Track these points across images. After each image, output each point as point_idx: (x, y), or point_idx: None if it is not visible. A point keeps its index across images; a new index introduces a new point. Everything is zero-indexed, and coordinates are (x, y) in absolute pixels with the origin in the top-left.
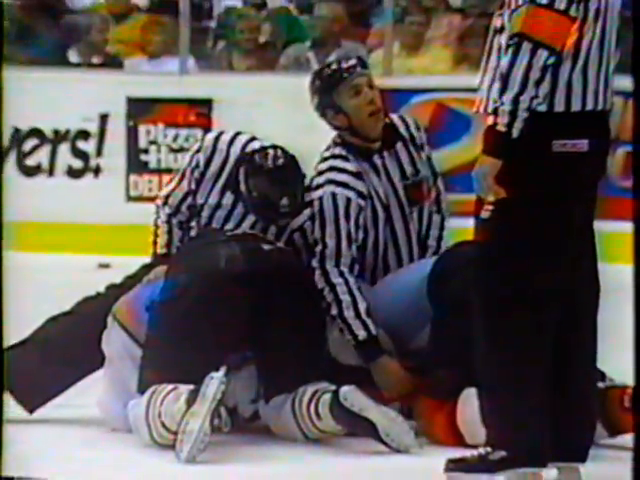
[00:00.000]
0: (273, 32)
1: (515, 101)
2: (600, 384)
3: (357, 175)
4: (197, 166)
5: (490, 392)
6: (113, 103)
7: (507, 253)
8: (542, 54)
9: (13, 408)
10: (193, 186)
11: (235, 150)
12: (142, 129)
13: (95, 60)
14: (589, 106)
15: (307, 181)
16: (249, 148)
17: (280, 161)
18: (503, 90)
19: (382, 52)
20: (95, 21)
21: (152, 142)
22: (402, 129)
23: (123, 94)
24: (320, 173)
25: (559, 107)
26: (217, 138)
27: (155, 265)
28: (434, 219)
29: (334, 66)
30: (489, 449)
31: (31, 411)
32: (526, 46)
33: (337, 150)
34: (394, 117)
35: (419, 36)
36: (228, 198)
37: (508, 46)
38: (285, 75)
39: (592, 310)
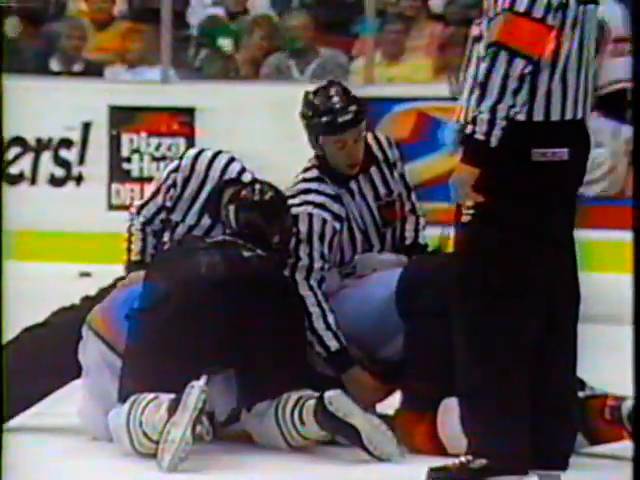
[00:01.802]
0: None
1: (493, 110)
2: (580, 393)
3: (334, 198)
4: (174, 185)
5: (470, 401)
6: (95, 112)
7: (486, 261)
8: (519, 63)
9: None
10: (168, 204)
11: (214, 174)
12: (124, 138)
13: (76, 68)
14: (568, 115)
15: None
16: (229, 173)
17: (268, 195)
18: (481, 99)
19: (363, 60)
20: (72, 29)
21: (134, 151)
22: (375, 149)
23: (105, 103)
24: (298, 193)
25: (538, 116)
26: (195, 158)
27: (129, 272)
28: (409, 219)
29: (329, 117)
30: (470, 457)
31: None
32: (503, 55)
33: (315, 173)
34: (368, 137)
35: (399, 44)
36: (205, 221)
37: (485, 55)
38: (268, 83)
39: (572, 319)
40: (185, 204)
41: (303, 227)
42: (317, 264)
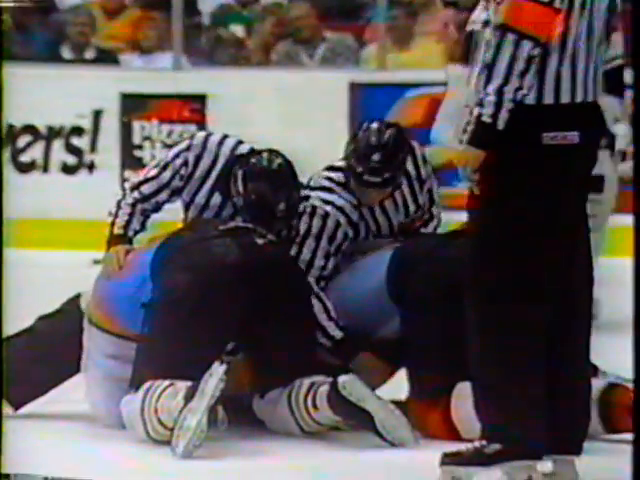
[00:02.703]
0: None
1: (499, 92)
2: (600, 382)
3: (355, 206)
4: (185, 164)
5: (484, 386)
6: (107, 99)
7: (498, 246)
8: (526, 45)
9: None
10: (179, 183)
11: (225, 151)
12: (136, 125)
13: (88, 56)
14: (579, 98)
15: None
16: (239, 150)
17: (276, 164)
18: (488, 81)
19: (375, 47)
20: (81, 17)
21: (146, 138)
22: (409, 163)
23: (117, 90)
24: (320, 188)
25: (548, 99)
26: (206, 138)
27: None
28: (426, 227)
29: (360, 168)
30: (484, 442)
31: (16, 408)
32: (510, 37)
33: (341, 177)
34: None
35: (406, 30)
36: (216, 199)
37: (492, 37)
38: (278, 70)
39: (586, 304)
40: (196, 183)
41: (316, 223)
42: (319, 262)
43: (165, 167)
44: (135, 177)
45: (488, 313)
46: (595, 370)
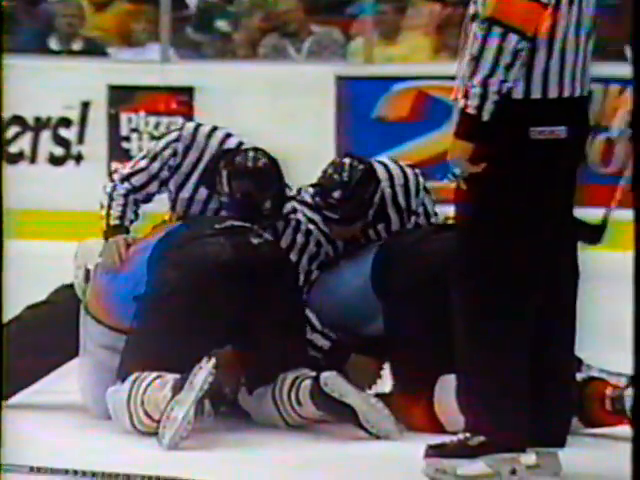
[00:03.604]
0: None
1: (484, 83)
2: (579, 375)
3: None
4: (174, 155)
5: (468, 377)
6: (94, 91)
7: (484, 239)
8: (512, 38)
9: None
10: (166, 174)
11: (212, 144)
12: (123, 117)
13: (76, 47)
14: (566, 92)
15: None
16: (227, 145)
17: (261, 162)
18: (473, 73)
19: (362, 40)
20: (68, 8)
21: (133, 130)
22: (400, 195)
23: (104, 82)
24: (307, 205)
25: (536, 94)
26: (196, 129)
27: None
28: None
29: (325, 211)
30: (468, 435)
31: (4, 399)
32: (496, 30)
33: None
34: (392, 167)
35: (394, 24)
36: (201, 194)
37: (479, 30)
38: (266, 63)
39: (572, 297)
40: (182, 176)
41: (300, 239)
42: (300, 277)
43: (154, 158)
44: (123, 168)
45: (473, 305)
46: (579, 363)
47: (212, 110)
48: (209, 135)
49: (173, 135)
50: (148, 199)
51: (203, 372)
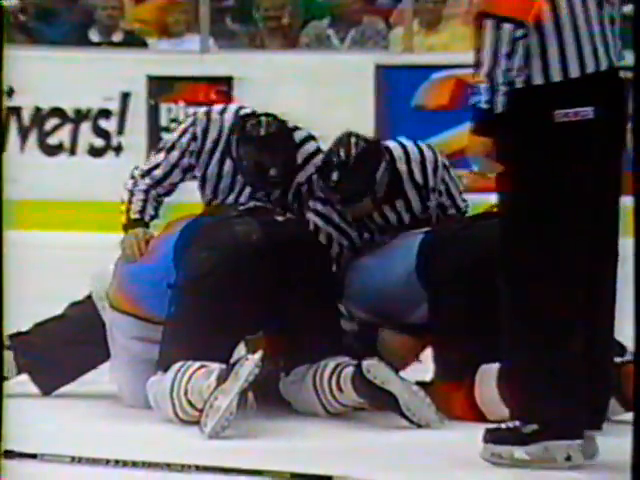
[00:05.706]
0: (292, 11)
1: (489, 76)
2: (618, 358)
3: (349, 224)
4: (194, 139)
5: (518, 366)
6: (134, 82)
7: (524, 227)
8: (507, 28)
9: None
10: (191, 160)
11: (229, 117)
12: (163, 107)
13: (115, 39)
14: (589, 68)
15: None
16: (242, 113)
17: (270, 129)
18: (478, 68)
19: (402, 29)
20: (109, 0)
21: (173, 120)
22: (417, 173)
23: (144, 73)
24: (318, 198)
25: (556, 77)
26: (209, 110)
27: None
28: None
29: (327, 194)
30: (517, 423)
31: (46, 393)
32: (490, 23)
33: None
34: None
35: (436, 13)
36: (228, 166)
37: (475, 27)
38: (306, 53)
39: (613, 280)
40: (207, 155)
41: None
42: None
43: (172, 147)
44: (144, 165)
45: (522, 295)
46: (622, 348)
47: (251, 99)
48: (222, 111)
49: (188, 121)
50: (171, 190)
51: (249, 364)
